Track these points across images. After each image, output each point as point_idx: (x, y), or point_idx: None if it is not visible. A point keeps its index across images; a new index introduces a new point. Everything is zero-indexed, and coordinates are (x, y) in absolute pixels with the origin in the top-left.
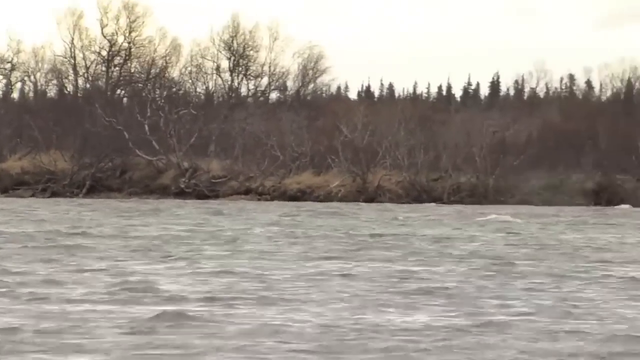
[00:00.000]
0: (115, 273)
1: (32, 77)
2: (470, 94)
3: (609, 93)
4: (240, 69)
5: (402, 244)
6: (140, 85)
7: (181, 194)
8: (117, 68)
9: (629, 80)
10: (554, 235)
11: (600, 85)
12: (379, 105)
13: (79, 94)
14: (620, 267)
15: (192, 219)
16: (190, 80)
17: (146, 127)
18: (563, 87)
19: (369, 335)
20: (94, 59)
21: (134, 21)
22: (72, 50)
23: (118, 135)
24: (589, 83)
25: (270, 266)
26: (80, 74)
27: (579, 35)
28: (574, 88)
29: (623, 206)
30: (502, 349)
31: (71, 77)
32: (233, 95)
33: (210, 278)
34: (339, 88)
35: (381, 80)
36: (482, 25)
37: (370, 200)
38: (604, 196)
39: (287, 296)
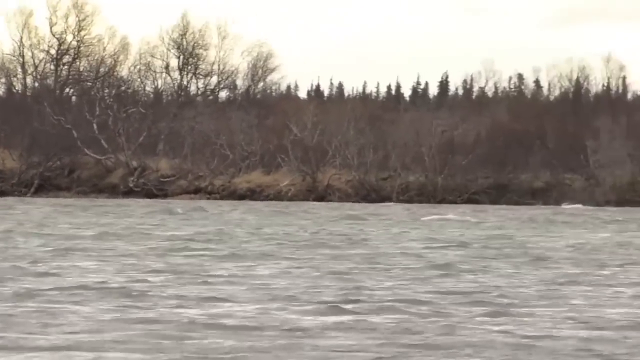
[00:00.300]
0: None
1: None
2: (419, 94)
3: (557, 92)
4: (189, 67)
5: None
6: (89, 83)
7: (130, 193)
8: (65, 67)
9: (577, 79)
10: (488, 235)
11: (549, 84)
12: (328, 104)
13: (27, 93)
14: (552, 265)
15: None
16: (139, 79)
17: (95, 126)
18: (512, 87)
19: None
20: (43, 58)
21: (83, 20)
22: (21, 48)
23: (67, 134)
24: (537, 83)
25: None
26: (29, 72)
27: (528, 35)
28: (523, 88)
29: (569, 205)
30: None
31: (20, 76)
32: (182, 94)
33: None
34: (288, 87)
35: (331, 80)
36: (431, 24)
37: (320, 199)
38: (552, 195)
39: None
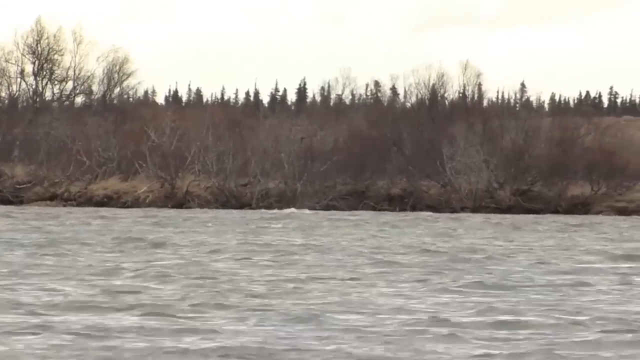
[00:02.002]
0: None
1: None
2: (278, 100)
3: (414, 99)
4: (44, 73)
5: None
6: None
7: None
8: None
9: (433, 86)
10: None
11: (405, 91)
12: (187, 110)
13: None
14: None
15: None
16: None
17: None
18: (368, 94)
19: None
20: None
21: None
22: None
23: None
24: (393, 89)
25: None
26: None
27: (390, 42)
28: (379, 95)
29: (426, 213)
30: None
31: None
32: (37, 99)
33: None
34: (146, 92)
35: (189, 85)
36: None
37: (179, 206)
38: (409, 202)
39: None
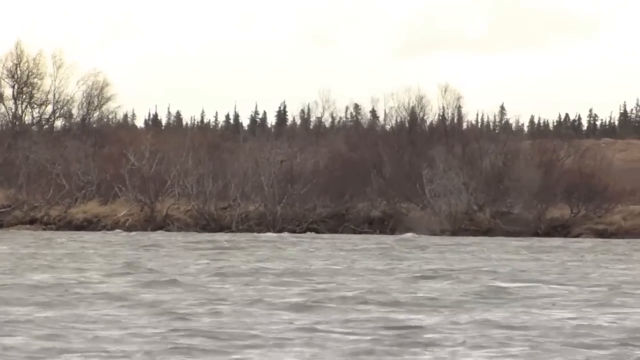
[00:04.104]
0: None
1: None
2: (258, 123)
3: (393, 122)
4: (24, 96)
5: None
6: None
7: None
8: None
9: (412, 109)
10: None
11: (385, 114)
12: (166, 133)
13: None
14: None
15: None
16: None
17: None
18: (348, 117)
19: None
20: None
21: None
22: None
23: None
24: (373, 112)
25: None
26: None
27: (372, 66)
28: (360, 117)
29: (407, 235)
30: None
31: None
32: (17, 123)
33: None
34: (125, 116)
35: (168, 108)
36: (271, 53)
37: (158, 229)
38: (389, 224)
39: None
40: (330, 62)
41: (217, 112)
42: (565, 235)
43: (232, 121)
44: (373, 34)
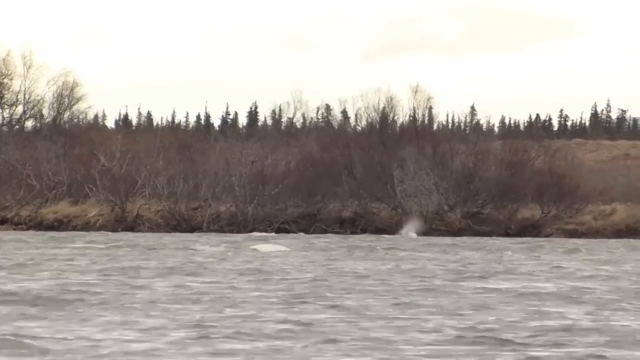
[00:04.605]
0: None
1: None
2: (229, 124)
3: (364, 123)
4: None
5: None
6: None
7: None
8: None
9: (383, 110)
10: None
11: (356, 115)
12: (137, 133)
13: None
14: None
15: None
16: None
17: None
18: (319, 117)
19: None
20: None
21: None
22: None
23: None
24: (344, 113)
25: None
26: None
27: (345, 68)
28: (330, 118)
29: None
30: None
31: None
32: None
33: None
34: (96, 116)
35: (139, 109)
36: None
37: (129, 229)
38: (359, 225)
39: None
40: (302, 63)
41: (188, 113)
42: (536, 236)
43: (203, 121)
44: (346, 37)
